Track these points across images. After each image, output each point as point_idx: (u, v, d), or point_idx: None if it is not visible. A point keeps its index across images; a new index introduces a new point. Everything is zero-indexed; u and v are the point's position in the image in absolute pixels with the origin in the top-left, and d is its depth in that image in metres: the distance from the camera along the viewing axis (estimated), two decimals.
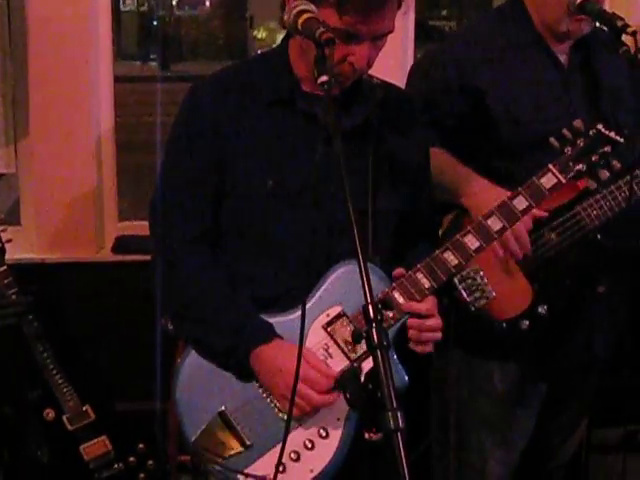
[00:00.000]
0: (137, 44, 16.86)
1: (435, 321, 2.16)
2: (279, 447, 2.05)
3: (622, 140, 2.23)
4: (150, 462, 3.33)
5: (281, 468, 2.11)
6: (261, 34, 16.90)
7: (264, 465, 2.13)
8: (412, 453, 1.50)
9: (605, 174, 2.23)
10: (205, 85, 2.26)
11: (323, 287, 2.18)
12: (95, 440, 3.28)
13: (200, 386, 2.19)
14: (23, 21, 3.42)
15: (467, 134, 2.58)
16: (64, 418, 3.25)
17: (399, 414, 1.49)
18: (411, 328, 2.15)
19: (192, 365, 2.21)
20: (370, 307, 1.58)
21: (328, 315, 2.18)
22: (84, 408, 3.27)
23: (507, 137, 2.54)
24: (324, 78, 1.83)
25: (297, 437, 2.14)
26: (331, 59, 1.85)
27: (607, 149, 2.22)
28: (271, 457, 2.11)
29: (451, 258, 2.16)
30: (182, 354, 2.27)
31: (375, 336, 1.55)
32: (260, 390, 2.16)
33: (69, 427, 3.25)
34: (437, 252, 2.17)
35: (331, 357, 2.16)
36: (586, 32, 2.55)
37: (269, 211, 2.17)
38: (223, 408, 2.16)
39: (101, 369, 3.52)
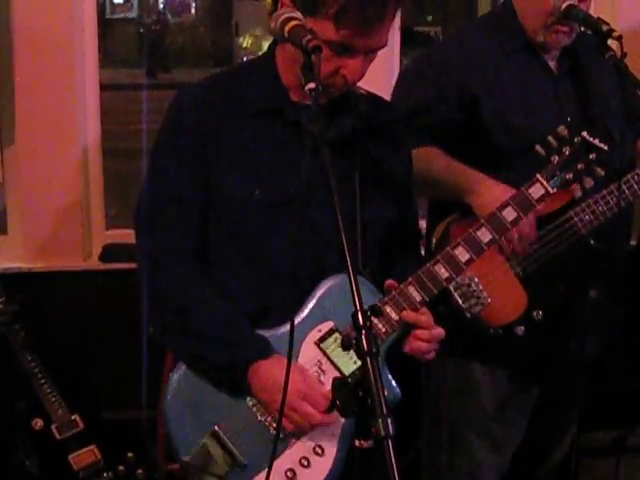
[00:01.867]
0: (127, 52, 16.84)
1: (440, 331, 2.15)
2: (275, 463, 2.03)
3: (606, 148, 2.24)
4: (139, 471, 3.32)
5: None
6: (246, 42, 16.91)
7: None
8: (402, 459, 1.50)
9: (590, 182, 2.25)
10: (190, 93, 2.22)
11: (313, 302, 2.15)
12: (84, 449, 3.27)
13: (191, 403, 2.14)
14: (8, 28, 3.41)
15: (459, 141, 2.59)
16: (53, 427, 3.24)
17: (389, 420, 1.48)
18: (419, 340, 2.14)
19: (182, 381, 2.16)
20: (359, 314, 1.57)
21: (320, 331, 2.14)
22: (73, 417, 3.26)
23: (499, 143, 2.54)
24: (311, 85, 1.82)
25: (293, 455, 2.12)
26: (318, 66, 1.84)
27: (592, 157, 2.23)
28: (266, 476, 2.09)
29: (442, 271, 2.15)
30: (170, 365, 2.24)
31: (365, 343, 1.55)
32: (254, 408, 2.12)
33: (58, 436, 3.24)
34: (428, 265, 2.16)
35: (324, 373, 2.13)
36: (565, 44, 2.56)
37: (255, 222, 2.14)
38: (216, 428, 2.12)
39: (89, 378, 3.51)
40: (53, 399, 3.23)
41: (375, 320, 2.10)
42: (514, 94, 2.55)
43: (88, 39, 3.56)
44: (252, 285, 2.16)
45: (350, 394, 1.62)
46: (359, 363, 2.09)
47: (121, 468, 3.30)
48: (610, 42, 2.47)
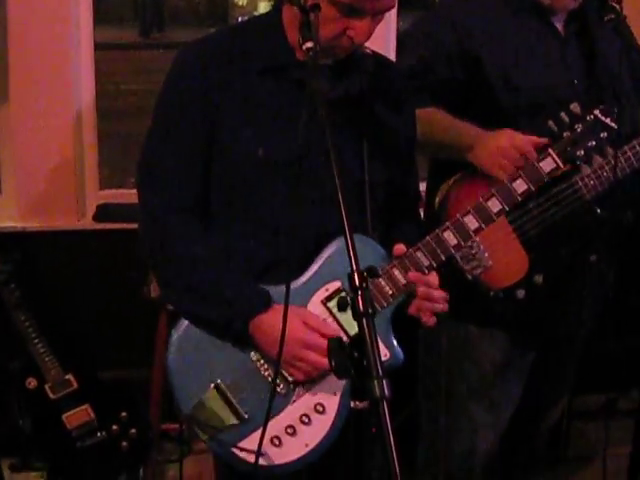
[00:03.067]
0: (120, 10, 16.68)
1: (442, 293, 2.15)
2: (275, 420, 2.07)
3: (615, 126, 2.24)
4: (133, 430, 3.33)
5: (277, 442, 2.10)
6: (242, 1, 16.78)
7: (259, 439, 2.06)
8: (397, 418, 1.50)
9: (598, 159, 2.25)
10: (194, 49, 2.19)
11: (322, 260, 2.14)
12: (77, 409, 3.28)
13: (193, 357, 2.14)
14: None
15: (464, 101, 2.57)
16: (46, 387, 3.25)
17: (385, 382, 1.48)
18: (419, 297, 2.14)
19: (185, 336, 2.16)
20: (355, 275, 1.57)
21: (327, 290, 2.14)
22: (66, 377, 3.26)
23: (504, 104, 2.52)
24: (309, 44, 1.80)
25: (293, 412, 2.12)
26: (316, 25, 1.82)
27: (603, 135, 2.23)
28: (268, 429, 2.05)
29: (451, 238, 2.16)
30: (164, 325, 2.24)
31: (361, 303, 1.55)
32: (258, 363, 2.12)
33: (51, 396, 3.25)
34: (437, 231, 2.16)
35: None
36: (571, 7, 2.54)
37: (259, 180, 2.12)
38: (219, 381, 2.12)
39: (83, 337, 3.52)
40: (47, 359, 3.23)
41: (382, 282, 2.12)
42: (518, 54, 2.53)
43: None
44: (255, 243, 2.15)
45: (345, 354, 1.62)
46: None
47: (114, 427, 3.31)
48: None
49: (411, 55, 2.58)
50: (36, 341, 3.22)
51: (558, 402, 2.98)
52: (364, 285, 1.56)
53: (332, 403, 2.12)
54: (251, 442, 2.09)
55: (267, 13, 2.25)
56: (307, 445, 2.12)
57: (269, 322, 2.07)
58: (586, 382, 3.20)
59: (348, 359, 1.60)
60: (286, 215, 2.09)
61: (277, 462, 2.11)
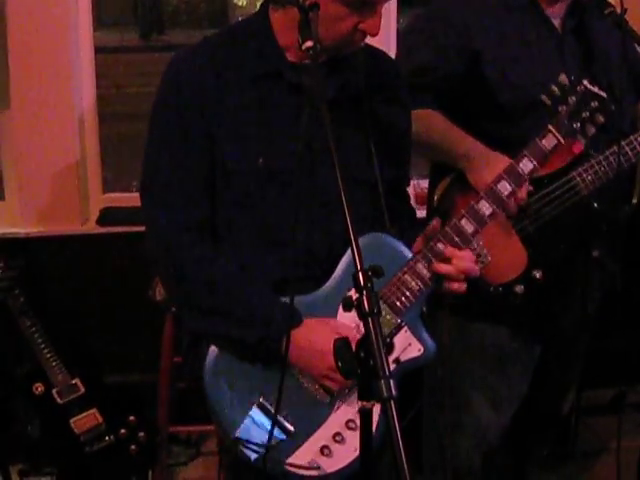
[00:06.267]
0: (119, 14, 16.69)
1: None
2: (321, 431, 2.08)
3: (605, 95, 2.25)
4: (141, 434, 3.33)
5: (327, 451, 2.10)
6: (242, 2, 16.78)
7: (308, 451, 2.09)
8: (405, 417, 1.50)
9: (591, 129, 2.25)
10: (186, 58, 2.13)
11: (344, 265, 2.11)
12: (85, 413, 3.28)
13: (230, 380, 2.10)
14: None
15: (462, 97, 2.57)
16: (54, 392, 3.24)
17: (391, 382, 1.48)
18: (457, 272, 2.13)
19: (217, 359, 2.11)
20: (360, 274, 1.56)
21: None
22: (73, 381, 3.26)
23: (502, 100, 2.52)
24: (309, 43, 1.79)
25: (339, 419, 2.11)
26: (315, 24, 1.81)
27: (594, 104, 2.24)
28: (315, 441, 2.08)
29: (468, 225, 2.15)
30: (170, 329, 2.19)
31: (366, 303, 1.54)
32: (299, 376, 2.10)
33: (59, 400, 3.25)
34: (455, 220, 2.15)
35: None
36: None
37: (262, 190, 2.07)
38: (261, 399, 2.09)
39: (89, 342, 3.52)
40: (53, 363, 3.23)
41: (408, 278, 2.12)
42: (516, 51, 2.53)
43: (82, 1, 3.53)
44: (268, 257, 2.11)
45: (352, 355, 1.61)
46: (394, 324, 2.12)
47: (123, 431, 3.31)
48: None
49: (410, 55, 2.58)
50: (42, 346, 3.22)
51: (565, 396, 2.98)
52: (369, 284, 1.55)
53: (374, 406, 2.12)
54: (301, 456, 2.10)
55: (253, 17, 2.19)
56: (356, 449, 2.02)
57: (302, 337, 2.04)
58: (594, 377, 3.20)
59: (355, 359, 1.59)
60: (294, 224, 2.02)
61: (330, 470, 2.11)
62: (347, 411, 2.12)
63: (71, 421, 3.26)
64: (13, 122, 3.51)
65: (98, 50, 3.72)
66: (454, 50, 2.52)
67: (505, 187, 2.20)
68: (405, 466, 1.43)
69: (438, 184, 2.59)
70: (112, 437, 3.30)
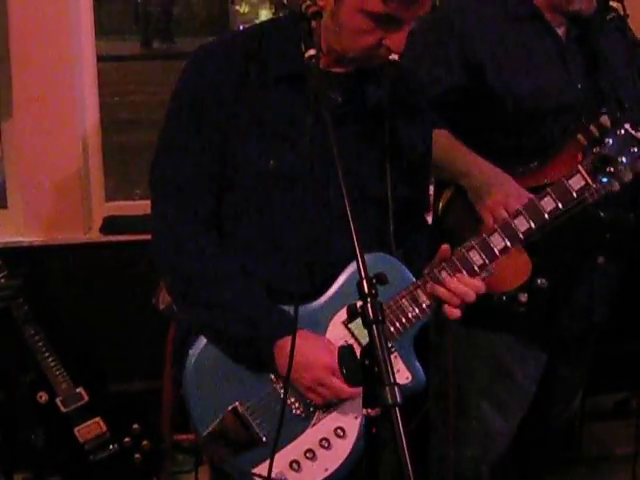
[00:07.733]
0: (121, 22, 16.73)
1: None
2: (294, 444, 2.04)
3: None
4: (145, 442, 3.33)
5: (296, 466, 2.06)
6: (243, 9, 16.82)
7: (278, 462, 2.03)
8: (410, 424, 1.50)
9: (629, 176, 2.21)
10: (209, 52, 2.11)
11: (342, 280, 2.08)
12: (89, 422, 3.27)
13: (211, 378, 2.08)
14: (3, 1, 3.38)
15: (467, 109, 2.56)
16: (57, 400, 3.24)
17: (396, 388, 1.48)
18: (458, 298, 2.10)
19: (203, 355, 2.09)
20: (364, 282, 1.56)
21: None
22: (77, 390, 3.26)
23: (507, 111, 2.51)
24: (312, 52, 1.79)
25: (313, 435, 2.08)
26: (318, 33, 1.81)
27: (634, 150, 2.20)
28: (286, 453, 2.05)
29: (476, 257, 2.12)
30: (173, 336, 2.18)
31: (370, 311, 1.54)
32: (275, 386, 2.07)
33: (63, 409, 3.25)
34: (462, 250, 2.13)
35: None
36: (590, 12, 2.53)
37: (269, 194, 2.06)
38: (237, 403, 2.06)
39: (93, 350, 3.52)
40: (57, 372, 3.23)
41: (406, 303, 2.09)
42: (520, 61, 2.52)
43: (84, 10, 3.54)
44: (264, 260, 2.10)
45: (356, 362, 1.61)
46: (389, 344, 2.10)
47: (127, 440, 3.31)
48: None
49: (415, 68, 2.57)
50: (46, 355, 3.22)
51: (570, 403, 2.98)
52: (373, 292, 1.55)
53: (353, 427, 2.08)
54: (268, 467, 2.04)
55: (283, 22, 2.15)
56: (327, 470, 2.07)
57: (296, 346, 1.97)
58: (598, 383, 3.19)
59: (359, 367, 1.59)
60: (295, 231, 2.03)
61: None
62: (323, 429, 2.09)
63: (75, 430, 3.26)
64: (16, 131, 3.52)
65: (100, 59, 3.72)
66: (457, 61, 2.51)
67: (522, 223, 2.16)
68: (411, 474, 1.44)
69: (442, 193, 2.59)
70: (116, 446, 3.30)
